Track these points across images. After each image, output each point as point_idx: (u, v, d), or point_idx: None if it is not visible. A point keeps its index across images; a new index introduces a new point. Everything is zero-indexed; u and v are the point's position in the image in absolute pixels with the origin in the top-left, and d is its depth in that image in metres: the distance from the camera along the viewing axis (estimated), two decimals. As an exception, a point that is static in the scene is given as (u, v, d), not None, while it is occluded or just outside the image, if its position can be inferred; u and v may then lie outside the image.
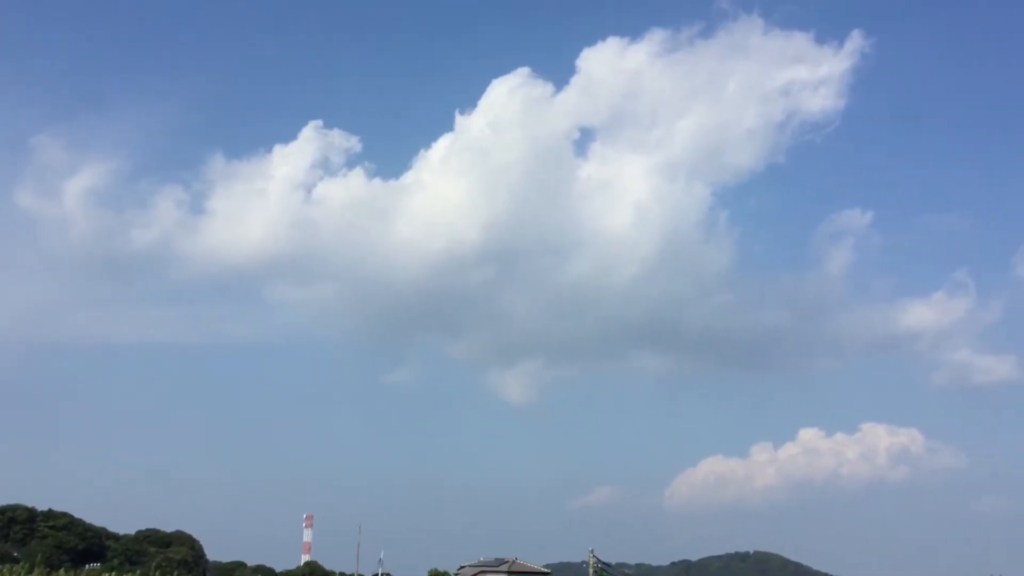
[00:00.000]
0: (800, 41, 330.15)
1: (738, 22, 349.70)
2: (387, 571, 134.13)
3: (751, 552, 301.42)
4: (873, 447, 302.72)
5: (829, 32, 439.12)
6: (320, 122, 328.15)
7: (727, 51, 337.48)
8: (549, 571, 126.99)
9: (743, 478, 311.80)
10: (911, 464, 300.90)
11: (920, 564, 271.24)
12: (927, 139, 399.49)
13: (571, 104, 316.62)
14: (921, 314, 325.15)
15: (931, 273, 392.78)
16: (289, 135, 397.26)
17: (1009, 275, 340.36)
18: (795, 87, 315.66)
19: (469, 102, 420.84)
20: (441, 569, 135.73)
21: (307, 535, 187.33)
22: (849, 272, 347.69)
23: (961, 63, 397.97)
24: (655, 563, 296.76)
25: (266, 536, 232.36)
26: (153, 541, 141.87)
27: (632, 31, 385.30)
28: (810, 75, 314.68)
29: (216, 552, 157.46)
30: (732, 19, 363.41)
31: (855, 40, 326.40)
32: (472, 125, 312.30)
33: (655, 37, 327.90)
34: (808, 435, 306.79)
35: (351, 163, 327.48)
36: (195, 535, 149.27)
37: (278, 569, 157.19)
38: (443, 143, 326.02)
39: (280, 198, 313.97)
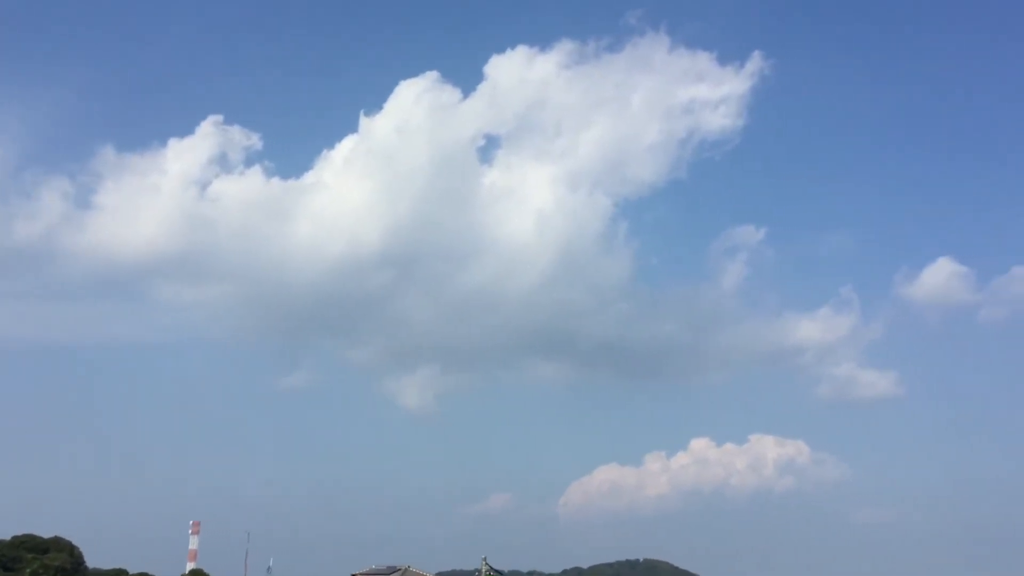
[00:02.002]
0: (703, 60, 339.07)
1: (645, 38, 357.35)
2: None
3: (641, 559, 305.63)
4: (761, 457, 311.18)
5: (731, 52, 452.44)
6: (220, 117, 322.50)
7: (633, 66, 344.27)
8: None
9: (636, 486, 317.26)
10: (797, 474, 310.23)
11: (804, 572, 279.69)
12: (819, 159, 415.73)
13: (478, 111, 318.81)
14: (808, 329, 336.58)
15: (818, 289, 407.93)
16: (186, 129, 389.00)
17: (891, 293, 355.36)
18: (697, 105, 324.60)
19: (375, 104, 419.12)
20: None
21: (193, 542, 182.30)
22: (741, 286, 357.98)
23: (854, 87, 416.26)
24: (547, 570, 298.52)
25: (150, 543, 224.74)
26: (29, 547, 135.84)
27: (541, 41, 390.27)
28: (712, 94, 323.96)
29: (96, 559, 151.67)
30: (639, 35, 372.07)
31: (755, 61, 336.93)
32: (377, 127, 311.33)
33: (564, 48, 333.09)
34: (699, 445, 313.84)
35: (250, 161, 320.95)
36: (74, 541, 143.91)
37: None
38: (347, 144, 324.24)
39: (173, 194, 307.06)
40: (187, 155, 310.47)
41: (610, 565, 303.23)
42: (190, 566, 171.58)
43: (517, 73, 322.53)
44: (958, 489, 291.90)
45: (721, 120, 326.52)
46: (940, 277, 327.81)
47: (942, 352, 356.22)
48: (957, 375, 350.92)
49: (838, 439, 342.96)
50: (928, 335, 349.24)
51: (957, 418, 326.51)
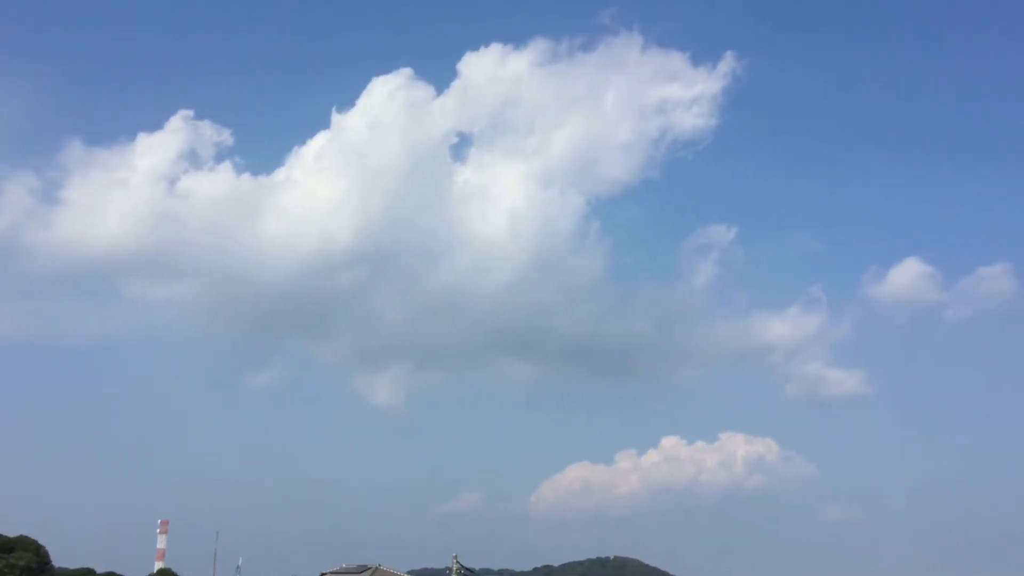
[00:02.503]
0: (676, 60, 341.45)
1: (619, 37, 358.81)
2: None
3: (611, 557, 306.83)
4: (731, 455, 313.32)
5: (704, 53, 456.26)
6: (191, 112, 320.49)
7: (606, 65, 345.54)
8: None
9: (607, 484, 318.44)
10: (766, 472, 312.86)
11: (772, 569, 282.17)
12: (789, 160, 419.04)
13: (451, 108, 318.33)
14: (777, 328, 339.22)
15: (787, 288, 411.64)
16: (155, 124, 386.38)
17: (858, 293, 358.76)
18: (670, 105, 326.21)
19: (348, 100, 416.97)
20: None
21: (161, 541, 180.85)
22: (712, 285, 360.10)
23: (824, 88, 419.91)
24: (518, 568, 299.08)
25: (117, 542, 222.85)
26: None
27: (515, 39, 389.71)
28: (684, 94, 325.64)
29: (63, 558, 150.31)
30: (613, 34, 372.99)
31: (728, 62, 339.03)
32: (350, 124, 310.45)
33: (538, 46, 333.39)
34: (670, 443, 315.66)
35: (220, 157, 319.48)
36: (40, 540, 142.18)
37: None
38: (319, 141, 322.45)
39: (142, 190, 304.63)
40: (156, 150, 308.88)
41: (581, 563, 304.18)
42: (158, 565, 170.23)
43: (491, 71, 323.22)
44: (924, 487, 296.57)
45: (694, 120, 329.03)
46: (907, 277, 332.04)
47: (909, 351, 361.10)
48: (923, 374, 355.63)
49: (806, 437, 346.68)
50: (895, 335, 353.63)
51: (923, 417, 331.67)
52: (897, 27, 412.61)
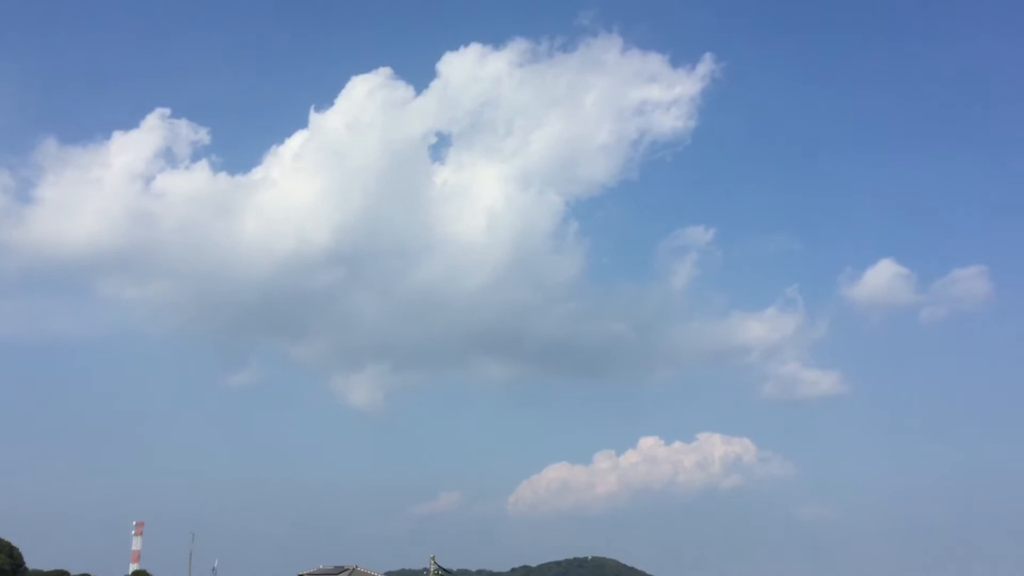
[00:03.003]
0: (656, 62, 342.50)
1: (598, 38, 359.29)
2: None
3: (589, 558, 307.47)
4: (709, 455, 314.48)
5: (683, 55, 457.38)
6: (168, 110, 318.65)
7: (586, 66, 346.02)
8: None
9: (585, 485, 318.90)
10: (743, 472, 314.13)
11: (749, 567, 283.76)
12: (767, 161, 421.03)
13: (430, 108, 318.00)
14: (754, 328, 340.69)
15: (765, 289, 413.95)
16: (131, 122, 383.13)
17: (834, 294, 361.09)
18: (649, 106, 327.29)
19: (326, 100, 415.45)
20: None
21: (136, 543, 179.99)
22: (690, 286, 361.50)
23: (802, 90, 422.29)
24: (496, 568, 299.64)
25: (92, 543, 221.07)
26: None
27: (495, 39, 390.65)
28: (663, 95, 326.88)
29: (37, 560, 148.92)
30: (592, 35, 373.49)
31: (707, 64, 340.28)
32: (328, 124, 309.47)
33: (517, 47, 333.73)
34: (648, 443, 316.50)
35: (196, 155, 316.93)
36: (14, 542, 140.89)
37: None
38: (297, 140, 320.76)
39: (117, 188, 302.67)
40: (132, 149, 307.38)
41: (558, 563, 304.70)
42: (133, 567, 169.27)
43: (470, 71, 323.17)
44: (899, 486, 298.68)
45: (672, 122, 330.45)
46: (883, 278, 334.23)
47: (884, 352, 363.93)
48: (898, 375, 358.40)
49: (783, 437, 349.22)
50: (870, 335, 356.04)
51: (898, 416, 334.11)
52: (874, 30, 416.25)
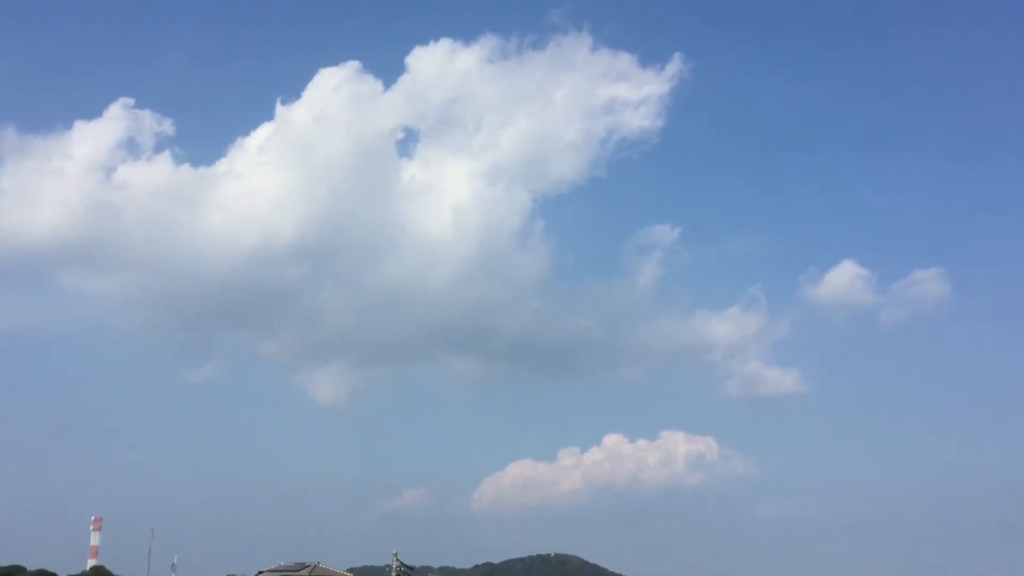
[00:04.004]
0: (625, 61, 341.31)
1: (568, 36, 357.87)
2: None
3: (552, 554, 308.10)
4: (672, 453, 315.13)
5: (653, 54, 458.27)
6: (132, 100, 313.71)
7: (556, 64, 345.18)
8: (352, 575, 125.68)
9: (550, 482, 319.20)
10: (706, 470, 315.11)
11: (709, 565, 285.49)
12: (732, 161, 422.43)
13: (398, 103, 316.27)
14: (718, 327, 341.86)
15: (729, 288, 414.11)
16: (94, 111, 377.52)
17: (796, 294, 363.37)
18: (618, 105, 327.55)
19: (293, 92, 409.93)
20: (239, 574, 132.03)
21: (95, 538, 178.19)
22: (655, 285, 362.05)
23: (768, 91, 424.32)
24: (459, 566, 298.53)
25: (49, 539, 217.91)
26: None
27: (465, 34, 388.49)
28: (632, 94, 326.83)
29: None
30: (563, 33, 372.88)
31: (676, 64, 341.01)
32: (295, 116, 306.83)
33: (488, 43, 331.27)
34: (612, 441, 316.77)
35: (160, 147, 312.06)
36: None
37: (61, 574, 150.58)
38: (263, 132, 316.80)
39: (78, 179, 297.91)
40: (94, 139, 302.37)
41: (521, 560, 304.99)
42: (91, 563, 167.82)
43: (439, 66, 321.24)
44: (858, 484, 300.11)
45: (641, 120, 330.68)
46: (844, 279, 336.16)
47: (844, 351, 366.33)
48: (858, 374, 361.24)
49: (745, 436, 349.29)
50: (831, 335, 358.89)
51: (857, 416, 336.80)
52: (840, 32, 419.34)
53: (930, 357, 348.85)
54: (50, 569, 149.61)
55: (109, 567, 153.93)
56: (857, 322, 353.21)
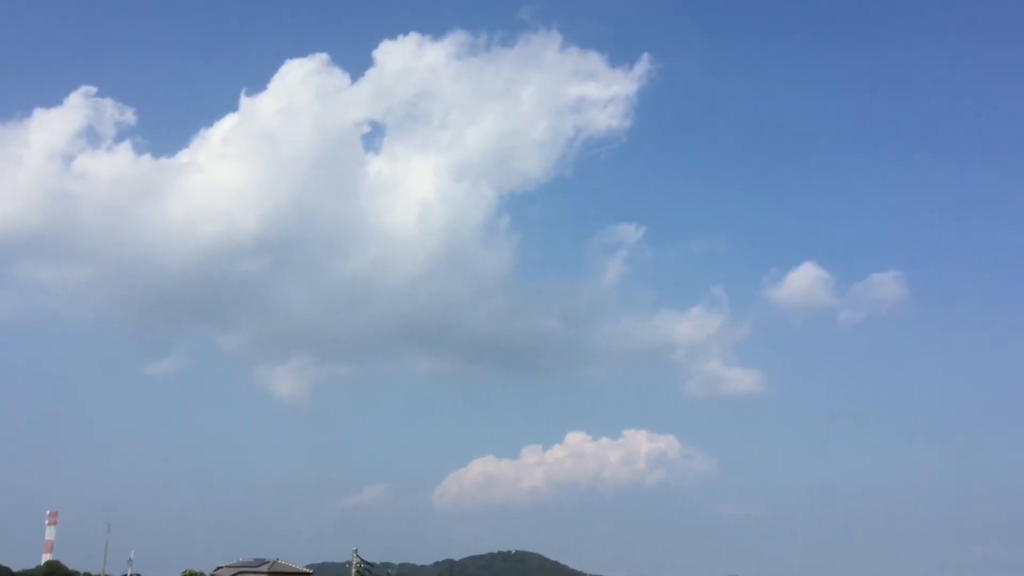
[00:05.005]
0: (594, 60, 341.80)
1: (537, 34, 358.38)
2: (137, 572, 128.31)
3: (513, 551, 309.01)
4: (634, 452, 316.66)
5: (621, 54, 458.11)
6: (93, 88, 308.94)
7: (524, 62, 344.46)
8: (311, 572, 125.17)
9: (512, 479, 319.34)
10: (667, 468, 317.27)
11: (670, 563, 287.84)
12: (697, 162, 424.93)
13: (365, 97, 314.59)
14: (681, 326, 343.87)
15: (692, 288, 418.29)
16: (54, 99, 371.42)
17: (758, 294, 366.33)
18: (585, 104, 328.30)
19: (258, 83, 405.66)
20: (197, 570, 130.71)
21: (50, 533, 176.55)
22: (619, 283, 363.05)
23: (734, 92, 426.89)
24: (419, 563, 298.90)
25: (3, 533, 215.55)
26: None
27: (434, 29, 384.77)
28: (600, 94, 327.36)
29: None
30: (532, 31, 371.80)
31: (644, 64, 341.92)
32: (260, 108, 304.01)
33: (456, 38, 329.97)
34: (575, 439, 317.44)
35: (120, 136, 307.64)
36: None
37: (15, 569, 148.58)
38: (227, 124, 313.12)
39: (36, 168, 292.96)
40: (53, 127, 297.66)
41: (481, 557, 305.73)
42: (46, 557, 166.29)
43: (407, 61, 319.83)
44: (816, 484, 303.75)
45: (608, 120, 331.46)
46: (804, 281, 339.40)
47: (803, 352, 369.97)
48: (816, 375, 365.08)
49: (706, 434, 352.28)
50: (791, 336, 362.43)
51: (815, 416, 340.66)
52: (808, 33, 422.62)
53: (887, 359, 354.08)
54: (3, 564, 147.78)
55: (65, 562, 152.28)
56: (816, 323, 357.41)
